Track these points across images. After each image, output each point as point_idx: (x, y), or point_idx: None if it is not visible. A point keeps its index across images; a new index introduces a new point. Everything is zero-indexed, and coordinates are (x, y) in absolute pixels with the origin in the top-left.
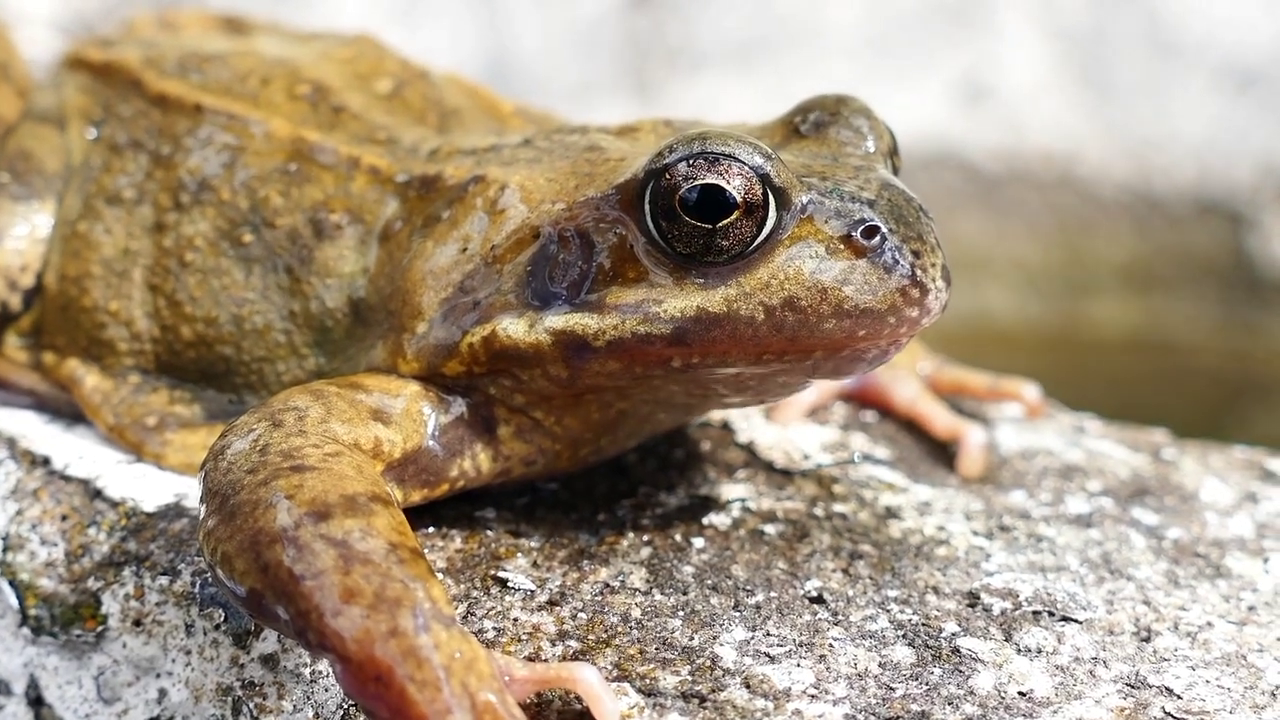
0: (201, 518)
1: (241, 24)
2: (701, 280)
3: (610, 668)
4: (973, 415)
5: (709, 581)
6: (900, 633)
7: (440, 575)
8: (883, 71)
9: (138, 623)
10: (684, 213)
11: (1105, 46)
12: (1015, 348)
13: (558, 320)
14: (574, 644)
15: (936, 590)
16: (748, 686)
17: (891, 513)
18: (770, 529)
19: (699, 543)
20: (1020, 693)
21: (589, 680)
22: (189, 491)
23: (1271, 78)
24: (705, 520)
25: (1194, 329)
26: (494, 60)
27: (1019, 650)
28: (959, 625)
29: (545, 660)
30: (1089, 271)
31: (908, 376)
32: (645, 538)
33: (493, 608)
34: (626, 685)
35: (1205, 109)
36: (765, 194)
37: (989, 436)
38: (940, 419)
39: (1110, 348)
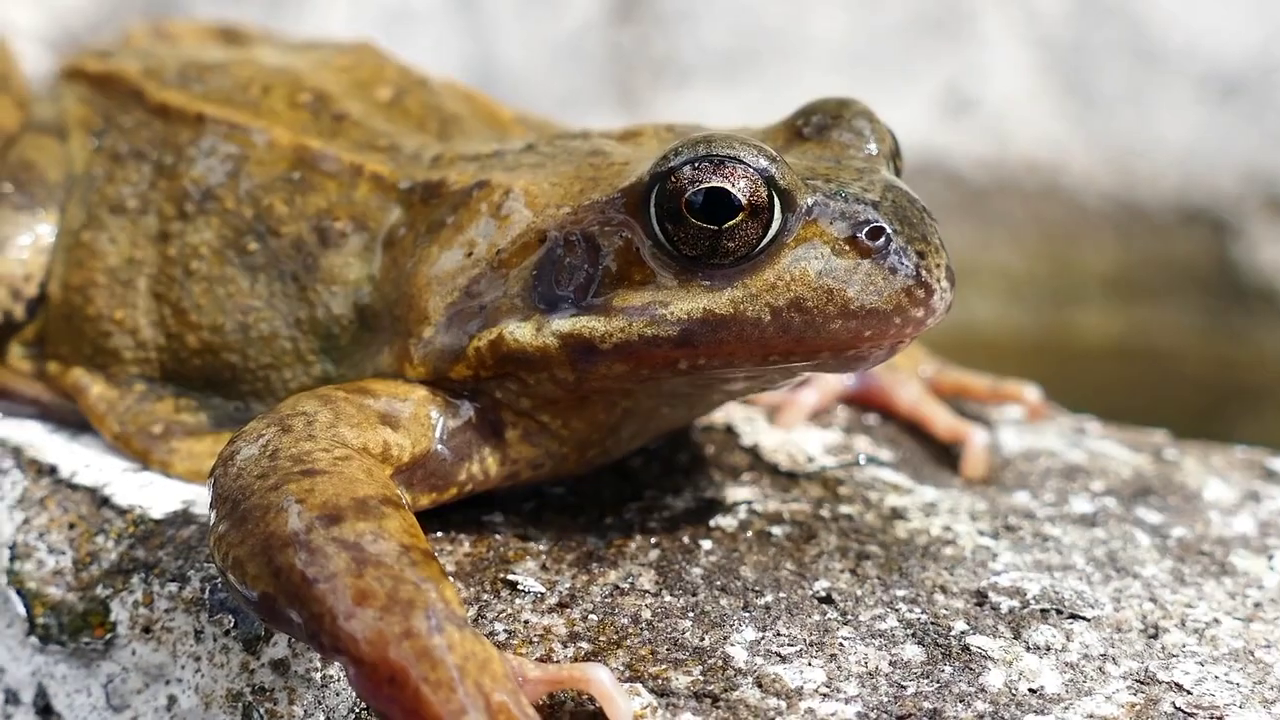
0: (212, 523)
1: (238, 34)
2: (707, 283)
3: (622, 668)
4: (974, 417)
5: (718, 583)
6: (909, 631)
7: (450, 578)
8: (867, 82)
9: (147, 630)
10: (689, 215)
11: (1088, 56)
12: (1001, 357)
13: (564, 323)
14: (585, 645)
15: (944, 589)
16: (760, 686)
17: (897, 513)
18: (777, 530)
19: (707, 545)
20: (1031, 689)
21: (602, 680)
22: (196, 498)
23: (1254, 86)
24: (712, 522)
25: (1179, 337)
26: (478, 72)
27: (1028, 648)
28: (968, 624)
29: (557, 661)
30: (1074, 280)
31: (909, 379)
32: (653, 540)
33: (503, 610)
34: (639, 685)
35: (1189, 117)
36: (770, 196)
37: (991, 438)
38: (943, 421)
39: (1096, 356)
